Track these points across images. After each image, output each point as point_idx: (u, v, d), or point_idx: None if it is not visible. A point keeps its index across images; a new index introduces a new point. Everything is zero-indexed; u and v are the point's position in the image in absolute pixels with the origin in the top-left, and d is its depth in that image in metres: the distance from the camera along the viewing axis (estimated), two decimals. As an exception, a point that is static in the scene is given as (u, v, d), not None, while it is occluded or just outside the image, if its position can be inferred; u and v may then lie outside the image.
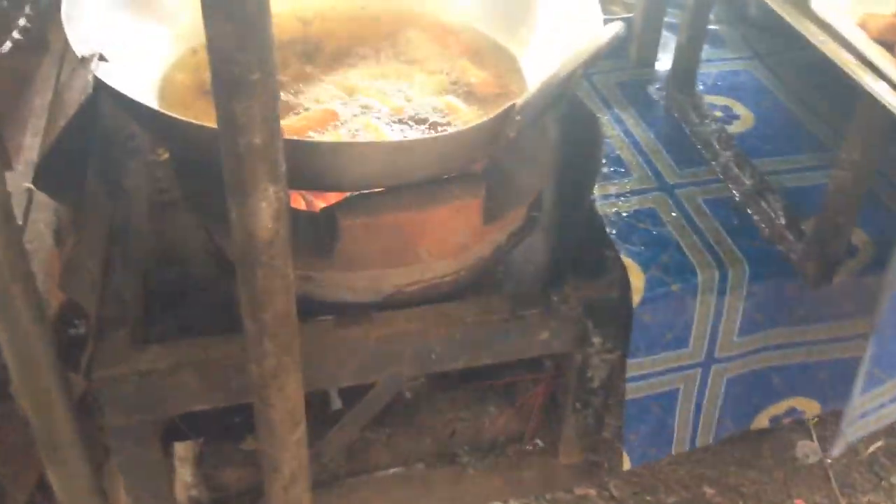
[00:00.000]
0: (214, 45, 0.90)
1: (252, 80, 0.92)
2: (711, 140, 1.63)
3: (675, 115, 1.74)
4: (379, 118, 1.40)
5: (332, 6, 1.69)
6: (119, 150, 1.64)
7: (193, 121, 1.14)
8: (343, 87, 1.48)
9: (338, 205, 1.27)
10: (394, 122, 1.41)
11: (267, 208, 0.95)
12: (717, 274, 1.41)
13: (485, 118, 1.18)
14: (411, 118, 1.42)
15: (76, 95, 1.17)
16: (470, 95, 1.50)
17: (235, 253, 0.99)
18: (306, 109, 1.43)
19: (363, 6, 1.70)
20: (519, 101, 1.18)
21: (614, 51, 1.34)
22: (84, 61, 1.18)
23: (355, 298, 1.40)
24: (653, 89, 1.83)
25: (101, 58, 1.18)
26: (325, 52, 1.58)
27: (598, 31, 1.17)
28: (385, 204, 1.27)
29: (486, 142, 1.21)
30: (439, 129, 1.39)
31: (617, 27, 1.19)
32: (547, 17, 1.53)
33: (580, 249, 1.51)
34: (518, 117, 1.19)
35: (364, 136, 1.35)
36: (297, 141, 1.16)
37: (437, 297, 1.42)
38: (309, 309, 1.28)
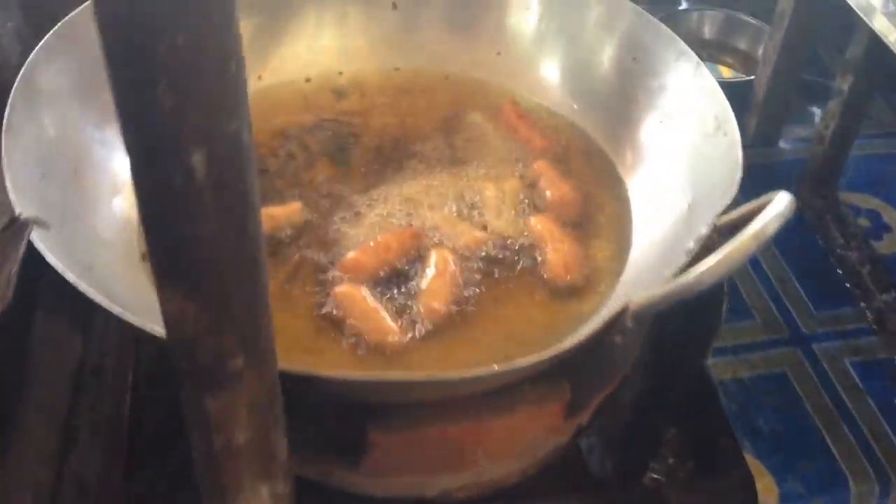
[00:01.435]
0: (170, 322, 0.56)
1: (232, 369, 0.57)
2: (861, 270, 1.24)
3: (809, 223, 1.35)
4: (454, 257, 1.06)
5: (371, 69, 1.32)
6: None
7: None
8: (390, 209, 1.12)
9: (370, 413, 0.93)
10: (476, 261, 1.06)
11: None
12: (876, 489, 1.04)
13: (589, 327, 0.82)
14: (495, 259, 1.07)
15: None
16: (549, 206, 1.14)
17: None
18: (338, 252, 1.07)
19: (404, 69, 1.32)
20: (635, 302, 0.82)
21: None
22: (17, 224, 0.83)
23: (388, 494, 1.07)
24: (776, 179, 1.44)
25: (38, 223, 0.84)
26: (362, 144, 1.22)
27: (763, 217, 0.79)
28: (433, 416, 0.93)
29: (585, 354, 0.86)
30: (534, 267, 1.07)
31: (785, 202, 0.81)
32: (660, 117, 1.14)
33: (685, 433, 1.15)
34: (630, 324, 0.83)
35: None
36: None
37: (494, 494, 1.08)
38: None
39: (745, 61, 1.59)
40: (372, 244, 1.06)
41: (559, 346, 0.83)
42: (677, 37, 1.15)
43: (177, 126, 0.46)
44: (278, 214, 1.10)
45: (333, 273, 1.04)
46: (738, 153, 0.98)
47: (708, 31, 1.63)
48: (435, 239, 1.08)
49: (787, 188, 1.43)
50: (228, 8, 0.45)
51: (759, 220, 0.78)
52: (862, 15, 1.09)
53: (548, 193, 1.14)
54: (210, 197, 0.50)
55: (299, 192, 1.14)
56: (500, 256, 1.07)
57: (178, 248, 0.52)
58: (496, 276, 1.05)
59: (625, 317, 0.84)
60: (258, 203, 0.54)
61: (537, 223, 1.11)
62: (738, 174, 0.96)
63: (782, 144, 1.50)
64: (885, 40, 1.06)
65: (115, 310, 0.81)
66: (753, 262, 1.30)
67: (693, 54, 1.12)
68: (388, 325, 0.99)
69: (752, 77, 1.47)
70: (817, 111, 1.62)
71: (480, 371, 0.83)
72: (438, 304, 1.00)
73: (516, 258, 1.08)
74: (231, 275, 0.54)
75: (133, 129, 0.47)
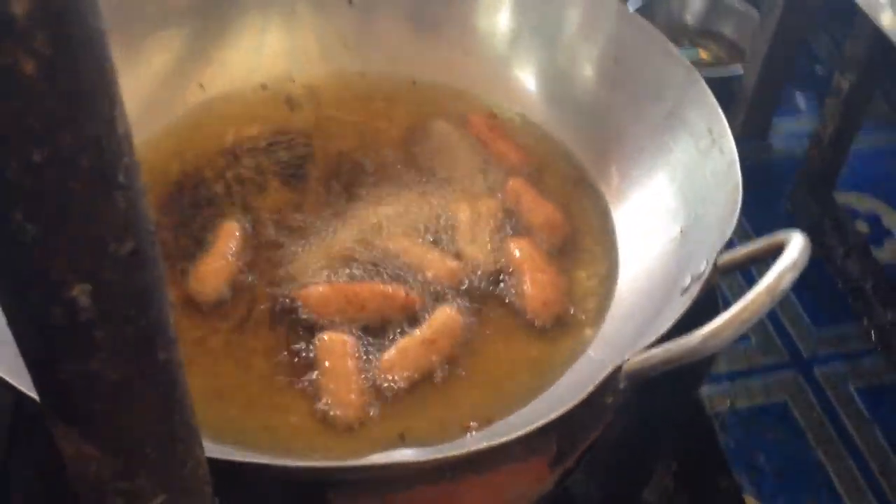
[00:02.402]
0: (70, 464, 0.45)
1: (150, 511, 0.47)
2: (863, 285, 1.15)
3: (803, 225, 1.26)
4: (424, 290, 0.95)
5: (327, 74, 1.19)
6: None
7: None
8: (352, 235, 1.00)
9: (331, 480, 0.82)
10: (449, 295, 0.95)
11: None
12: (886, 531, 0.97)
13: (582, 393, 0.72)
14: (472, 291, 0.96)
15: None
16: (528, 229, 1.03)
17: None
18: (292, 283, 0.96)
19: (365, 74, 1.20)
20: (630, 363, 0.73)
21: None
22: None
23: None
24: (767, 179, 1.35)
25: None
26: (318, 164, 1.10)
27: (776, 268, 0.68)
28: (404, 479, 0.83)
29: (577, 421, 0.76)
30: (512, 297, 0.96)
31: (799, 248, 0.70)
32: (643, 135, 1.03)
33: (679, 472, 1.06)
34: (623, 385, 0.73)
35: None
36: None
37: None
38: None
39: (731, 49, 1.48)
40: (347, 289, 0.94)
41: (546, 417, 0.73)
42: (664, 36, 1.04)
43: (45, 259, 0.35)
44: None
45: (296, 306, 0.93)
46: (738, 175, 0.88)
47: (690, 17, 1.51)
48: (401, 270, 0.98)
49: (780, 188, 1.35)
50: (107, 108, 0.33)
51: (773, 272, 0.68)
52: (867, 11, 0.99)
53: (531, 215, 1.03)
54: (101, 332, 0.39)
55: (250, 219, 1.03)
56: (475, 287, 0.97)
57: (66, 388, 0.41)
58: (472, 312, 0.95)
59: (618, 378, 0.74)
60: (170, 322, 0.43)
61: (516, 249, 1.00)
62: (739, 200, 0.86)
63: (771, 140, 1.40)
64: (894, 39, 0.96)
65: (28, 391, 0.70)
66: (746, 275, 1.21)
67: (684, 59, 1.01)
68: (357, 399, 0.87)
69: (739, 69, 1.36)
70: (803, 99, 1.52)
71: (448, 452, 0.73)
72: (409, 372, 0.89)
73: (491, 289, 0.97)
74: (138, 413, 0.43)
75: (-7, 263, 0.36)
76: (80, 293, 0.37)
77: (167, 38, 1.11)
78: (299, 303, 0.94)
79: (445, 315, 0.92)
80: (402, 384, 0.88)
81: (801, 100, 1.52)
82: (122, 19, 1.08)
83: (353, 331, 0.92)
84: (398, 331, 0.93)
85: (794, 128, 1.44)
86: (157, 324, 0.41)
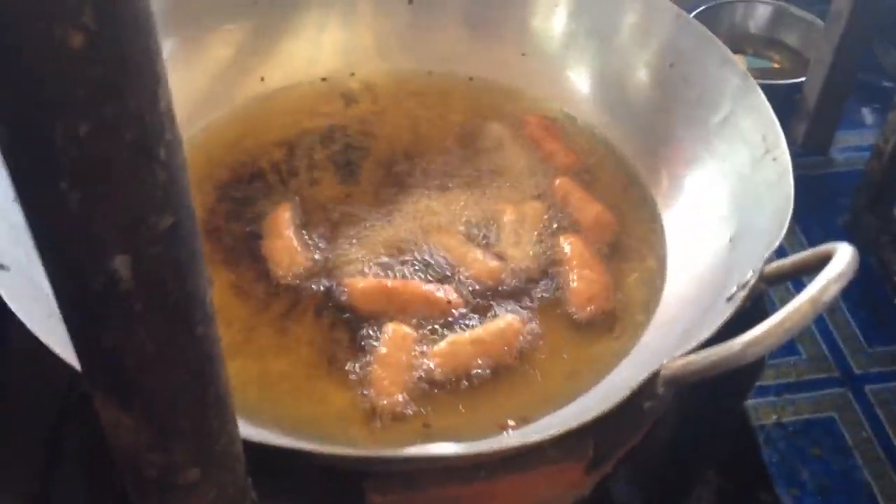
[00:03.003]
0: (109, 432, 0.47)
1: (185, 482, 0.48)
2: (920, 303, 1.13)
3: (862, 244, 1.23)
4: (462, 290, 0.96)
5: (384, 70, 1.21)
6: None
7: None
8: (399, 231, 1.01)
9: (366, 470, 0.83)
10: (486, 299, 0.96)
11: None
12: (933, 557, 0.94)
13: (616, 396, 0.72)
14: (512, 292, 0.96)
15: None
16: (576, 227, 1.03)
17: None
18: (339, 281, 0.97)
19: (422, 71, 1.21)
20: (669, 368, 0.72)
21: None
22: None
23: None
24: (826, 192, 1.32)
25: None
26: (372, 158, 1.11)
27: (822, 278, 0.67)
28: (441, 476, 0.83)
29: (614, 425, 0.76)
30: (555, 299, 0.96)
31: (847, 259, 0.68)
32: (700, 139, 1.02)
33: (721, 483, 1.04)
34: (662, 391, 0.73)
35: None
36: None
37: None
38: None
39: (795, 59, 1.45)
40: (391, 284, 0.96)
41: (582, 418, 0.73)
42: (721, 43, 1.03)
43: (88, 227, 0.36)
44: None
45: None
46: (790, 185, 0.87)
47: (753, 25, 1.49)
48: (445, 267, 0.98)
49: (839, 202, 1.32)
50: (150, 84, 0.35)
51: (818, 282, 0.67)
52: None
53: (580, 214, 1.03)
54: (140, 303, 0.40)
55: (301, 211, 1.04)
56: (518, 287, 0.97)
57: (106, 357, 0.42)
58: (529, 317, 0.95)
59: (656, 383, 0.73)
60: (207, 298, 0.44)
61: (566, 244, 1.00)
62: (790, 210, 0.85)
63: (833, 153, 1.37)
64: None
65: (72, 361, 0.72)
66: (798, 287, 1.19)
67: (739, 65, 1.00)
68: (402, 392, 0.89)
69: (803, 79, 1.33)
70: (868, 113, 1.49)
71: (484, 447, 0.73)
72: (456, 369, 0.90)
73: (533, 290, 0.97)
74: (174, 385, 0.44)
75: (39, 230, 0.37)
76: (121, 263, 0.38)
77: (231, 32, 1.14)
78: (345, 291, 0.95)
79: (507, 323, 0.93)
80: (446, 379, 0.89)
81: (865, 113, 1.49)
82: (188, 14, 1.11)
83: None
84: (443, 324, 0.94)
85: (857, 141, 1.41)
86: (195, 298, 0.42)
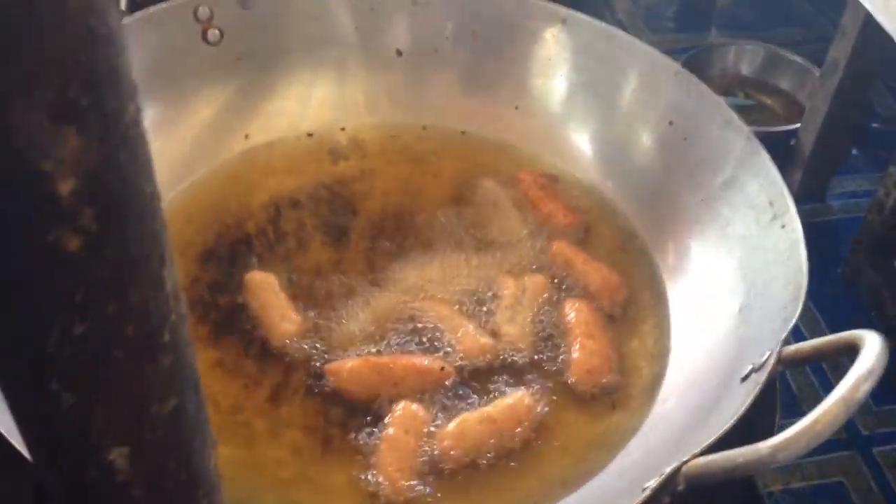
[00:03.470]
0: None
1: None
2: (926, 360, 1.10)
3: (860, 293, 1.21)
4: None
5: (374, 125, 1.16)
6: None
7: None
8: (390, 301, 0.97)
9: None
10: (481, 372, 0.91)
11: None
12: None
13: (638, 496, 0.69)
14: (504, 366, 0.92)
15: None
16: (584, 292, 0.99)
17: None
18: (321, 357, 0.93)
19: (413, 127, 1.16)
20: (691, 466, 0.68)
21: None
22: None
23: None
24: (824, 241, 1.30)
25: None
26: (361, 220, 1.07)
27: (852, 374, 0.64)
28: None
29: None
30: (557, 364, 0.92)
31: (876, 352, 0.66)
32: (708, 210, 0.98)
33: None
34: (682, 488, 0.69)
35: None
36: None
37: None
38: None
39: (787, 102, 1.43)
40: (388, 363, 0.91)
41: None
42: (723, 102, 1.00)
43: (82, 427, 0.32)
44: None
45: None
46: (803, 256, 0.83)
47: (745, 68, 1.47)
48: (437, 340, 0.94)
49: (838, 252, 1.30)
50: (156, 270, 0.30)
51: (848, 380, 0.63)
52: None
53: (586, 278, 0.99)
54: (139, 489, 0.35)
55: (288, 279, 1.00)
56: (511, 363, 0.93)
57: (102, 543, 0.38)
58: (500, 390, 0.91)
59: (676, 480, 0.70)
60: (212, 465, 0.40)
61: (572, 311, 0.96)
62: (804, 284, 0.81)
63: (830, 201, 1.35)
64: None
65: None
66: (797, 334, 1.16)
67: (743, 124, 0.97)
68: (408, 478, 0.84)
69: (797, 125, 1.31)
70: (861, 157, 1.47)
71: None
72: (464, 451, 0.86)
73: (531, 364, 0.93)
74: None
75: (26, 426, 0.33)
76: (118, 456, 0.33)
77: (216, 92, 1.09)
78: (331, 379, 0.91)
79: (516, 399, 0.89)
80: (457, 465, 0.84)
81: (858, 157, 1.47)
82: (172, 74, 1.06)
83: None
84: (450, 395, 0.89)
85: (852, 186, 1.39)
86: (199, 473, 0.38)
